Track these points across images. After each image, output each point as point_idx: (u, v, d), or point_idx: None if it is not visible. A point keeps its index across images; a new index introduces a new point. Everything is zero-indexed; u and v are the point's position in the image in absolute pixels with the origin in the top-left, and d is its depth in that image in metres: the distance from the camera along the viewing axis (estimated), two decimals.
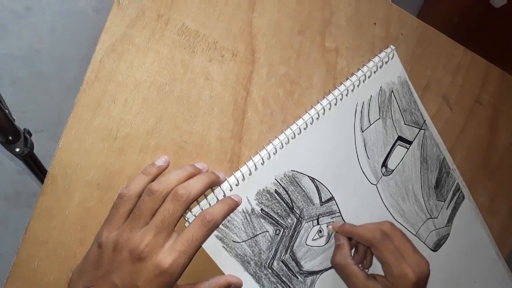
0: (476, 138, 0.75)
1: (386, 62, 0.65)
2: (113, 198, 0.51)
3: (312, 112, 0.59)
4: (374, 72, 0.64)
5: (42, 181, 0.98)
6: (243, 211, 0.55)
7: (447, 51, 0.72)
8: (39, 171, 1.00)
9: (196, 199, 0.48)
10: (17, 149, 0.86)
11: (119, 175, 0.52)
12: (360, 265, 0.58)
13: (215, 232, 0.54)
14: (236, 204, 0.53)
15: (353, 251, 0.61)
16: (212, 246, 0.53)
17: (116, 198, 0.48)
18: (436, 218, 0.70)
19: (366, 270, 0.61)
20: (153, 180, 0.49)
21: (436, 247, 0.70)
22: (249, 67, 0.59)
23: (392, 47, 0.66)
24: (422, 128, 0.69)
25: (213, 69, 0.57)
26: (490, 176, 0.77)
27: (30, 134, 0.93)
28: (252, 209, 0.56)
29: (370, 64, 0.64)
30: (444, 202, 0.71)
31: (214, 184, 0.51)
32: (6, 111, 0.78)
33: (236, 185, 0.54)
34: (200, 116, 0.55)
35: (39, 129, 1.40)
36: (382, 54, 0.65)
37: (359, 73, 0.62)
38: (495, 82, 0.76)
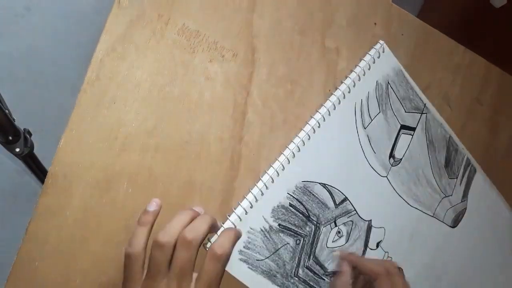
0: (476, 138, 0.75)
1: (378, 57, 0.65)
2: (114, 198, 0.51)
3: (312, 122, 0.60)
4: (368, 69, 0.64)
5: (42, 181, 0.98)
6: (262, 230, 0.56)
7: (447, 51, 0.72)
8: (39, 171, 1.00)
9: (204, 239, 0.48)
10: (17, 149, 0.86)
11: (119, 174, 0.52)
12: None
13: (239, 256, 0.55)
14: (240, 233, 0.52)
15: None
16: (238, 269, 0.55)
17: (125, 259, 0.47)
18: (451, 195, 0.71)
19: None
20: (151, 228, 0.49)
21: (455, 223, 0.71)
22: (250, 67, 0.59)
23: (381, 41, 0.66)
24: (424, 112, 0.69)
25: (214, 69, 0.57)
26: (490, 176, 0.77)
27: (30, 134, 0.93)
28: (270, 226, 0.57)
29: (362, 63, 0.64)
30: (457, 178, 0.72)
31: (215, 225, 0.50)
32: (6, 111, 0.78)
33: (251, 207, 0.55)
34: (200, 117, 0.55)
35: (39, 129, 1.40)
36: (372, 51, 0.65)
37: (353, 75, 0.63)
38: (495, 82, 0.77)
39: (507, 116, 0.78)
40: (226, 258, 0.47)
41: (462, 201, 0.72)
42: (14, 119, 0.83)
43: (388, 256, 0.65)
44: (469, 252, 0.73)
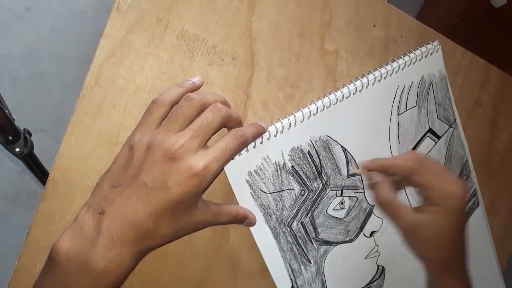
0: (476, 139, 0.75)
1: (431, 54, 0.66)
2: None
3: (358, 83, 0.60)
4: (419, 60, 0.65)
5: (42, 181, 0.98)
6: (276, 163, 0.56)
7: (447, 52, 0.72)
8: (39, 171, 1.00)
9: (228, 121, 0.48)
10: (17, 149, 0.86)
11: None
12: None
13: (246, 177, 0.54)
14: (264, 130, 0.53)
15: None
16: (241, 190, 0.54)
17: (150, 104, 0.48)
18: None
19: None
20: (186, 92, 0.49)
21: None
22: (249, 70, 0.59)
23: (437, 41, 0.67)
24: (452, 126, 0.70)
25: (213, 73, 0.57)
26: (490, 177, 0.77)
27: (30, 134, 0.93)
28: (284, 164, 0.57)
29: (417, 52, 0.65)
30: None
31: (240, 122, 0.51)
32: (6, 111, 0.79)
33: (275, 135, 0.55)
34: None
35: (39, 129, 1.40)
36: (429, 46, 0.66)
37: (406, 58, 0.63)
38: (495, 83, 0.76)
39: (507, 117, 0.78)
40: (244, 141, 0.49)
41: None
42: (14, 119, 0.83)
43: (377, 251, 0.65)
44: None
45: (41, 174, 0.99)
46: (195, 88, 0.52)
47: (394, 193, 0.56)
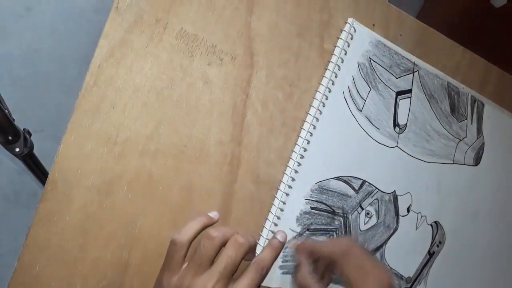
0: None
1: (351, 39, 0.64)
2: (114, 203, 0.51)
3: (306, 125, 0.60)
4: (345, 54, 0.63)
5: (42, 181, 0.98)
6: (295, 238, 0.58)
7: (446, 51, 0.72)
8: (39, 171, 1.00)
9: (250, 249, 0.49)
10: (17, 149, 0.86)
11: (119, 180, 0.52)
12: None
13: (280, 271, 0.58)
14: (283, 244, 0.55)
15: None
16: (283, 281, 0.58)
17: (170, 245, 0.48)
18: (466, 137, 0.72)
19: None
20: (203, 229, 0.50)
21: (476, 161, 0.73)
22: (248, 70, 0.59)
23: (350, 19, 0.64)
24: (415, 70, 0.69)
25: (212, 72, 0.57)
26: None
27: (30, 134, 0.93)
28: (300, 234, 0.59)
29: (337, 50, 0.63)
30: (467, 119, 0.73)
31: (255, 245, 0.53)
32: (6, 111, 0.78)
33: (275, 225, 0.57)
34: (200, 120, 0.56)
35: (39, 129, 1.40)
36: (343, 35, 0.64)
37: (331, 66, 0.62)
38: (495, 82, 0.76)
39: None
40: (267, 270, 0.50)
41: (478, 138, 0.73)
42: (13, 119, 0.83)
43: (421, 216, 0.68)
44: (496, 184, 0.75)
45: (41, 174, 0.99)
46: (212, 223, 0.52)
47: (313, 277, 0.55)
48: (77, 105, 0.51)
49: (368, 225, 0.63)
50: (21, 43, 1.50)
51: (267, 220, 0.57)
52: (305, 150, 0.59)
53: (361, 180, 0.63)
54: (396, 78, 0.67)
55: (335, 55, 0.63)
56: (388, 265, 0.64)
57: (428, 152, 0.68)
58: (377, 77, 0.66)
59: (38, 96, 1.49)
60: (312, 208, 0.59)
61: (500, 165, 0.76)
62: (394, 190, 0.65)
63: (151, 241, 0.53)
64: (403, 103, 0.67)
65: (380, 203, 0.64)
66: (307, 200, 0.59)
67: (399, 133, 0.66)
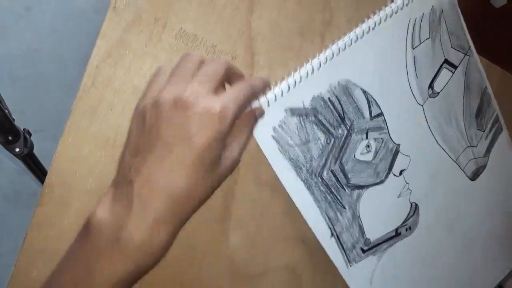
0: None
1: None
2: None
3: (370, 21, 0.57)
4: None
5: (41, 181, 0.98)
6: (298, 115, 0.54)
7: None
8: (38, 171, 1.00)
9: (234, 78, 0.45)
10: (17, 149, 0.86)
11: None
12: None
13: (272, 133, 0.53)
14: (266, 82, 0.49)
15: None
16: (269, 148, 0.53)
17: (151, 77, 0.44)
18: (475, 147, 0.71)
19: None
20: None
21: (474, 176, 0.71)
22: (249, 70, 0.58)
23: None
24: (467, 54, 0.68)
25: None
26: None
27: (30, 134, 0.93)
28: (306, 114, 0.55)
29: None
30: (484, 132, 0.71)
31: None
32: (6, 111, 0.78)
33: (294, 86, 0.53)
34: None
35: (38, 129, 1.40)
36: None
37: None
38: (495, 82, 0.76)
39: (509, 116, 0.77)
40: (255, 85, 0.45)
41: (484, 156, 0.72)
42: (13, 119, 0.83)
43: (408, 188, 0.65)
44: (482, 209, 0.74)
45: (41, 174, 0.99)
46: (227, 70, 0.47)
47: None
48: (75, 107, 0.50)
49: (363, 158, 0.61)
50: (21, 43, 1.50)
51: (291, 76, 0.52)
52: (355, 41, 0.56)
53: (380, 111, 0.61)
54: (451, 47, 0.66)
55: None
56: (359, 212, 0.62)
57: (441, 133, 0.67)
58: (439, 32, 0.64)
59: (38, 96, 1.48)
60: (329, 100, 0.56)
61: (492, 195, 0.75)
62: (400, 144, 0.64)
63: None
64: (445, 73, 0.66)
65: (383, 145, 0.62)
66: (330, 89, 0.56)
67: (429, 96, 0.65)
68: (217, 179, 0.43)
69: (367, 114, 0.60)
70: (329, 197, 0.59)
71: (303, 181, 0.56)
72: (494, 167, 0.73)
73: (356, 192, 0.61)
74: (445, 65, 0.66)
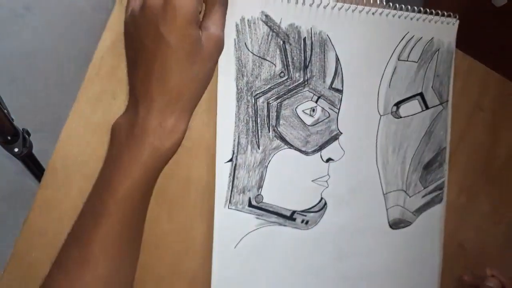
0: (476, 144, 0.74)
1: (447, 23, 0.63)
2: None
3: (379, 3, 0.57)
4: (435, 22, 0.62)
5: (40, 181, 0.98)
6: (271, 27, 0.53)
7: None
8: (37, 171, 0.99)
9: None
10: (16, 149, 0.86)
11: None
12: None
13: (237, 21, 0.52)
14: None
15: None
16: (226, 33, 0.51)
17: None
18: (409, 197, 0.66)
19: None
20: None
21: (393, 226, 0.66)
22: None
23: (456, 17, 0.64)
24: (443, 105, 0.66)
25: None
26: (491, 183, 0.75)
27: (29, 134, 0.93)
28: (278, 33, 0.54)
29: (433, 13, 0.62)
30: (424, 189, 0.67)
31: None
32: (5, 111, 0.79)
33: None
34: (199, 112, 0.55)
35: (38, 129, 1.40)
36: (448, 18, 0.63)
37: (424, 12, 0.60)
38: (495, 88, 0.75)
39: (508, 122, 0.76)
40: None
41: (413, 214, 0.67)
42: (13, 119, 0.83)
43: (326, 181, 0.60)
44: (384, 261, 0.67)
45: (40, 174, 0.99)
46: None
47: None
48: (79, 95, 0.51)
49: (302, 116, 0.57)
50: (20, 43, 1.51)
51: None
52: (352, 10, 0.56)
53: (341, 88, 0.59)
54: (431, 87, 0.65)
55: (433, 13, 0.62)
56: (269, 163, 0.57)
57: (384, 155, 0.63)
58: (427, 64, 0.64)
59: (38, 96, 1.49)
60: (304, 40, 0.55)
61: (401, 257, 0.68)
62: (342, 134, 0.60)
63: (147, 233, 0.52)
64: (414, 105, 0.64)
65: (326, 120, 0.59)
66: (310, 30, 0.55)
67: (391, 113, 0.63)
68: (207, 62, 0.47)
69: (328, 81, 0.58)
70: (250, 124, 0.55)
71: (238, 89, 0.54)
72: (416, 232, 0.67)
73: (277, 142, 0.57)
74: (418, 97, 0.64)
